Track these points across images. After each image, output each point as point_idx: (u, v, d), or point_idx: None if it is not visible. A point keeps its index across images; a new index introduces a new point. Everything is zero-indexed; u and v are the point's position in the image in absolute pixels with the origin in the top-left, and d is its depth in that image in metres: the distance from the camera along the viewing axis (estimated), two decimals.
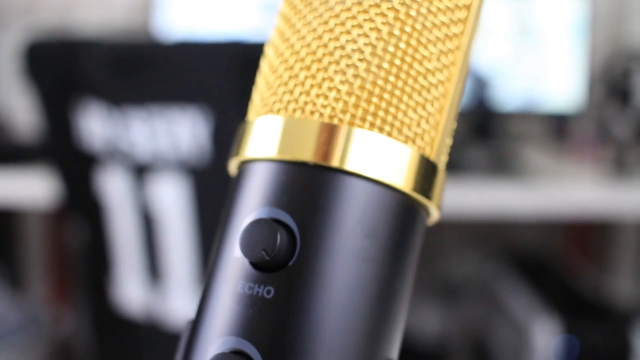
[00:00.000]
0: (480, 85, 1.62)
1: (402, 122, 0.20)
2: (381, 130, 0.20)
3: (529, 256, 1.83)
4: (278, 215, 0.19)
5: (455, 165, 1.52)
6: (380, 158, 0.20)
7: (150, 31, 1.69)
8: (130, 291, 0.96)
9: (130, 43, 0.93)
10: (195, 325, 0.20)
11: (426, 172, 0.21)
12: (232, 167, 0.22)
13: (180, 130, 0.84)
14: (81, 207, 0.99)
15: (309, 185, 0.20)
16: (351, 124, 0.20)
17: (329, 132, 0.20)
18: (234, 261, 0.20)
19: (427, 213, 0.22)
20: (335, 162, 0.20)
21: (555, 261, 1.80)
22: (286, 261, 0.19)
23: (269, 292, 0.19)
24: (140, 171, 0.88)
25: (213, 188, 0.87)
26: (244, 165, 0.22)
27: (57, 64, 0.93)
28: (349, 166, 0.20)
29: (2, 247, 1.89)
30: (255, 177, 0.21)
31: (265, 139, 0.21)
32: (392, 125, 0.20)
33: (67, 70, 0.92)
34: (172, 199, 0.88)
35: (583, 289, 1.50)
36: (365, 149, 0.20)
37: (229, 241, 0.20)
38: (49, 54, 0.95)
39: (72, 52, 0.91)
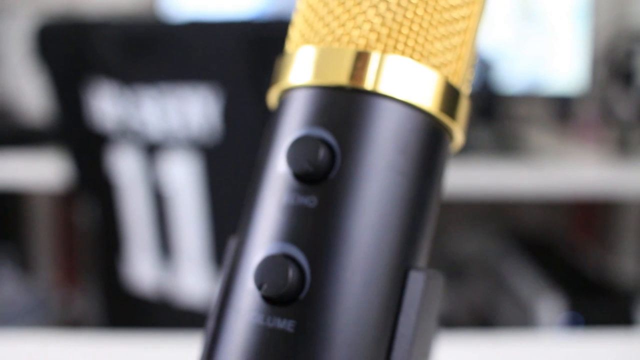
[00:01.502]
0: (484, 68, 1.62)
1: (429, 52, 0.22)
2: (411, 57, 0.22)
3: (533, 236, 1.84)
4: (320, 133, 0.21)
5: (460, 147, 1.53)
6: (409, 82, 0.22)
7: (156, 13, 1.70)
8: (142, 269, 0.97)
9: (140, 23, 0.94)
10: (242, 237, 0.22)
11: (451, 96, 0.23)
12: (273, 98, 0.24)
13: (190, 109, 0.85)
14: (93, 186, 1.00)
15: (347, 106, 0.22)
16: (383, 52, 0.22)
17: (363, 59, 0.22)
18: (279, 177, 0.22)
19: (451, 136, 0.24)
20: (369, 86, 0.22)
21: (559, 240, 1.82)
22: (327, 174, 0.21)
23: (312, 201, 0.21)
24: (152, 150, 0.89)
25: (224, 165, 0.88)
26: (284, 94, 0.23)
27: (68, 45, 0.94)
28: (382, 89, 0.22)
29: (11, 231, 1.90)
30: (296, 102, 0.22)
31: (305, 67, 0.23)
32: (420, 53, 0.22)
33: (78, 51, 0.93)
34: (183, 177, 0.89)
35: (587, 267, 1.51)
36: (396, 73, 0.22)
37: (273, 159, 0.22)
38: (60, 36, 0.95)
39: (83, 34, 0.92)
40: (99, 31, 0.91)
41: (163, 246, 0.94)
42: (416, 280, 0.21)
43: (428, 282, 0.21)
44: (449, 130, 0.23)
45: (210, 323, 0.22)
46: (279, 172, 0.22)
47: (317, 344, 0.19)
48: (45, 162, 1.40)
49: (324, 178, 0.21)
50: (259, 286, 0.20)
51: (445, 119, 0.23)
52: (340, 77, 0.22)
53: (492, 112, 1.68)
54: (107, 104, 0.91)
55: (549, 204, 1.93)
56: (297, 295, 0.20)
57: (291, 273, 0.20)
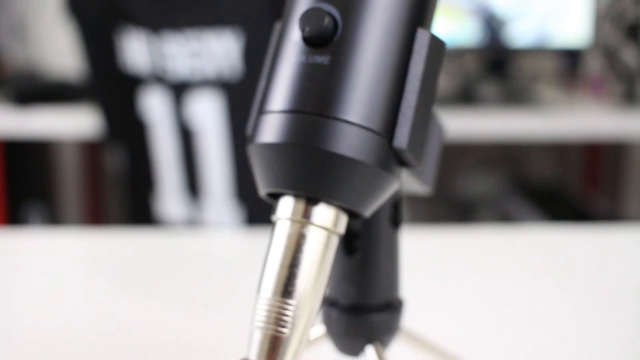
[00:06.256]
0: (494, 23, 1.66)
1: None
2: None
3: (541, 182, 1.88)
4: None
5: (472, 99, 1.58)
6: None
7: None
8: (171, 205, 1.03)
9: None
10: (287, 11, 0.28)
11: None
12: None
13: (214, 50, 0.91)
14: (124, 129, 1.06)
15: None
16: None
17: None
18: None
19: None
20: None
21: (567, 187, 1.85)
22: None
23: None
24: (179, 90, 0.95)
25: (244, 102, 0.93)
26: None
27: None
28: None
29: (41, 188, 1.95)
30: None
31: None
32: None
33: (107, 2, 0.98)
34: (208, 114, 0.94)
35: (593, 213, 1.55)
36: None
37: None
38: None
39: None
40: None
41: (190, 182, 1.00)
42: (423, 35, 0.27)
43: (433, 40, 0.27)
44: None
45: (262, 82, 0.28)
46: None
47: (347, 74, 0.26)
48: (74, 116, 1.46)
49: None
50: (303, 29, 0.26)
51: None
52: None
53: (502, 66, 1.72)
54: (135, 49, 0.96)
55: (556, 149, 1.97)
56: (332, 38, 0.26)
57: (327, 20, 0.26)
